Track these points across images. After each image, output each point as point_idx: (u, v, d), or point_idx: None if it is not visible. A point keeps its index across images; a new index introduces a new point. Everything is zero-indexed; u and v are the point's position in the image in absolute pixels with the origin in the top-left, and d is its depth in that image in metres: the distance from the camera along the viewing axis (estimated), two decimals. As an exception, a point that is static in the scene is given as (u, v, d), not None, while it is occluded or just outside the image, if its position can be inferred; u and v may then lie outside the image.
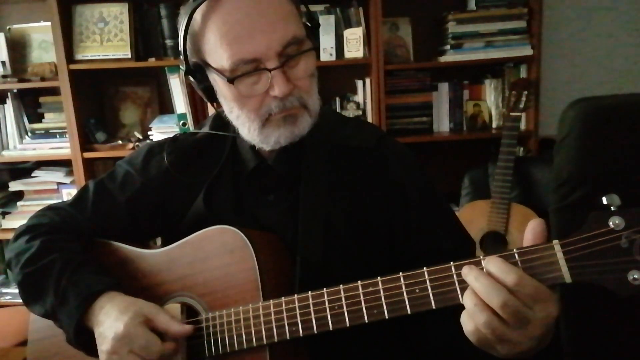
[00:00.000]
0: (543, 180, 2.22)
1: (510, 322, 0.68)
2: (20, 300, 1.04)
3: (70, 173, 2.63)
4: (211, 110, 2.48)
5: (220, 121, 1.07)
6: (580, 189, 1.21)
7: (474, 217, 2.21)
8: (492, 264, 0.70)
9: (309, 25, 0.96)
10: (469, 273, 0.71)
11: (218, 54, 0.90)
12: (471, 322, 0.70)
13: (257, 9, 0.87)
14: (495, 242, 2.18)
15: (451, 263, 0.75)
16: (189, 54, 0.95)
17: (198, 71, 0.95)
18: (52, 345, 1.04)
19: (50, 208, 1.10)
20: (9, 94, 2.58)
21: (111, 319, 0.90)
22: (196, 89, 0.99)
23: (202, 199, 1.04)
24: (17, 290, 1.04)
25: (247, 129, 0.95)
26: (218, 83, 0.95)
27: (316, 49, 0.95)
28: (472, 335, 0.71)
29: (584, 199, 1.20)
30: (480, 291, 0.69)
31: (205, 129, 1.11)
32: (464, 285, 0.73)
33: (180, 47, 0.94)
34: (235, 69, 0.89)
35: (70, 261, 0.98)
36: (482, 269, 0.71)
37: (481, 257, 0.73)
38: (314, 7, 2.48)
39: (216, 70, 0.92)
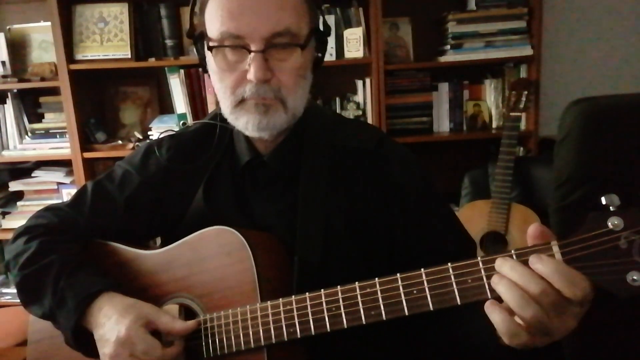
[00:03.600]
0: (543, 180, 2.21)
1: (548, 309, 0.66)
2: (20, 301, 1.04)
3: (70, 173, 2.63)
4: (211, 110, 2.48)
5: (218, 118, 1.07)
6: (580, 189, 1.21)
7: (474, 217, 2.20)
8: (537, 260, 0.68)
9: (320, 30, 0.96)
10: (503, 264, 0.69)
11: (212, 23, 0.91)
12: (502, 310, 0.68)
13: None
14: (495, 242, 2.18)
15: (449, 264, 0.74)
16: (196, 21, 0.97)
17: (199, 39, 0.97)
18: (51, 345, 1.04)
19: (48, 209, 1.10)
20: (9, 94, 2.58)
21: (112, 322, 0.90)
22: (198, 57, 1.01)
23: (202, 194, 1.04)
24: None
25: (223, 104, 0.97)
26: (207, 52, 0.95)
27: (301, 46, 0.92)
28: (502, 324, 0.68)
29: (584, 199, 1.20)
30: (517, 279, 0.67)
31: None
32: (461, 287, 0.73)
33: (190, 12, 0.97)
34: (220, 40, 0.90)
35: (68, 262, 0.98)
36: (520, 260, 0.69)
37: (501, 255, 0.71)
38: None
39: (208, 38, 0.93)
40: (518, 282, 0.67)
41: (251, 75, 0.89)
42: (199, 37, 0.96)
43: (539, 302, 0.66)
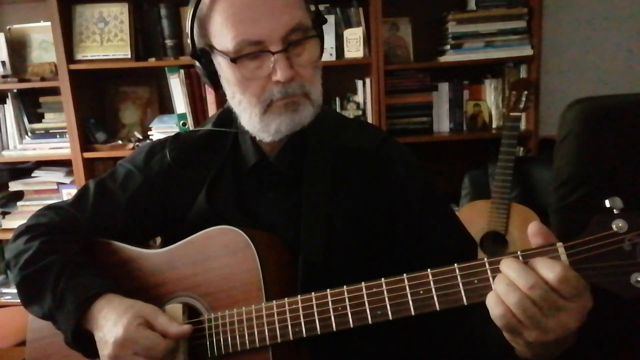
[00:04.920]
0: (543, 180, 2.22)
1: (540, 305, 0.67)
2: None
3: (70, 173, 2.63)
4: (211, 111, 2.49)
5: (224, 118, 1.07)
6: (581, 189, 1.21)
7: (474, 217, 2.20)
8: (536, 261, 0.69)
9: (317, 21, 0.96)
10: (503, 263, 0.70)
11: (223, 35, 0.90)
12: (501, 304, 0.69)
13: None
14: (495, 242, 2.18)
15: (455, 265, 0.75)
16: (196, 38, 0.96)
17: (204, 55, 0.96)
18: (50, 345, 1.04)
19: (50, 208, 1.10)
20: (9, 94, 2.58)
21: (110, 323, 0.90)
22: (201, 75, 1.00)
23: (205, 195, 1.04)
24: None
25: (248, 115, 0.95)
26: (222, 66, 0.95)
27: (321, 37, 0.96)
28: (501, 319, 0.69)
29: (584, 199, 1.21)
30: (510, 274, 0.68)
31: (209, 126, 1.11)
32: (468, 287, 0.73)
33: (188, 30, 0.95)
34: (239, 49, 0.89)
35: (68, 263, 0.98)
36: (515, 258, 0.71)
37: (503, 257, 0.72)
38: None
39: (220, 52, 0.92)
40: (511, 277, 0.69)
41: (278, 76, 0.89)
42: (204, 53, 0.96)
43: (529, 295, 0.67)
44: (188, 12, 0.95)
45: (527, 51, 2.50)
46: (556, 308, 0.67)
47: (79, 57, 2.52)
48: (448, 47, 2.53)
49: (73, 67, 2.47)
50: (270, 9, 0.88)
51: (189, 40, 0.96)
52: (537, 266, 0.68)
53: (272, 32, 0.88)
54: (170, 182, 1.07)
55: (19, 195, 2.70)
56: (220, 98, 1.03)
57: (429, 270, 0.76)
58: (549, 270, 0.67)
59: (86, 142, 2.57)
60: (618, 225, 0.66)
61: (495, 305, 0.69)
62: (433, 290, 0.76)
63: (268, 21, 0.87)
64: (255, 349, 0.89)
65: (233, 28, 0.88)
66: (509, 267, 0.69)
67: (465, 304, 0.73)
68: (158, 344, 0.89)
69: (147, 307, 0.93)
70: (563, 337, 0.69)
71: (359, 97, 2.66)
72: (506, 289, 0.68)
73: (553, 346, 0.71)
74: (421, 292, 0.76)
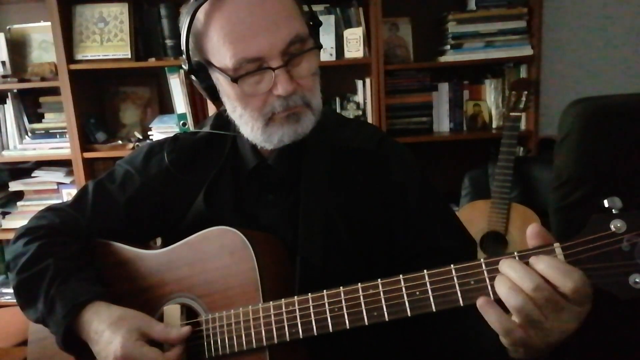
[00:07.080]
0: (543, 180, 2.21)
1: (543, 306, 0.66)
2: (20, 302, 1.03)
3: (70, 173, 2.63)
4: (211, 110, 2.48)
5: (221, 120, 1.07)
6: (581, 189, 1.21)
7: (474, 217, 2.20)
8: (540, 260, 0.68)
9: (312, 24, 0.96)
10: (502, 263, 0.70)
11: (221, 53, 0.89)
12: (494, 305, 0.69)
13: (260, 8, 0.87)
14: (495, 242, 2.18)
15: (452, 266, 0.74)
16: (191, 53, 0.95)
17: (201, 70, 0.95)
18: (51, 345, 1.03)
19: (50, 209, 1.10)
20: (9, 94, 2.58)
21: (104, 338, 0.90)
22: (198, 89, 0.99)
23: (203, 198, 1.04)
24: (17, 292, 1.04)
25: (250, 128, 0.95)
26: (221, 82, 0.94)
27: (319, 47, 0.95)
28: (494, 318, 0.69)
29: (584, 199, 1.21)
30: (513, 276, 0.68)
31: (206, 129, 1.11)
32: (464, 288, 0.73)
33: (183, 47, 0.94)
34: (238, 67, 0.88)
35: (62, 268, 0.97)
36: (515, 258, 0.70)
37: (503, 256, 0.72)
38: (314, 7, 2.48)
39: (219, 69, 0.91)
40: (513, 278, 0.68)
41: (280, 91, 0.88)
42: (201, 68, 0.95)
43: (533, 297, 0.66)
44: (182, 28, 0.94)
45: (527, 51, 2.50)
46: (559, 309, 0.66)
47: (79, 57, 2.52)
48: (448, 47, 2.53)
49: (73, 67, 2.47)
50: (268, 24, 0.87)
51: (184, 56, 0.95)
52: (543, 267, 0.67)
53: (271, 47, 0.87)
54: (169, 184, 1.07)
55: (19, 196, 2.69)
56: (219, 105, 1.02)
57: (425, 271, 0.76)
58: (569, 279, 0.65)
59: (86, 142, 2.58)
60: (616, 225, 0.65)
61: (497, 318, 0.68)
62: (429, 291, 0.75)
63: (266, 36, 0.86)
64: (252, 350, 0.89)
65: (231, 46, 0.88)
66: (510, 268, 0.68)
67: (462, 304, 0.73)
68: (156, 359, 0.89)
69: (138, 317, 0.92)
70: (561, 339, 0.68)
71: (359, 97, 2.66)
72: (508, 292, 0.67)
73: (548, 346, 0.70)
74: (417, 293, 0.76)
